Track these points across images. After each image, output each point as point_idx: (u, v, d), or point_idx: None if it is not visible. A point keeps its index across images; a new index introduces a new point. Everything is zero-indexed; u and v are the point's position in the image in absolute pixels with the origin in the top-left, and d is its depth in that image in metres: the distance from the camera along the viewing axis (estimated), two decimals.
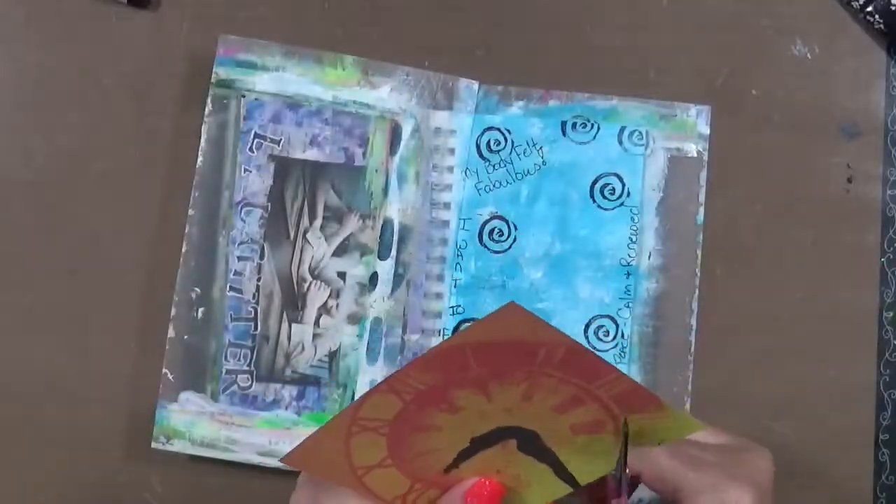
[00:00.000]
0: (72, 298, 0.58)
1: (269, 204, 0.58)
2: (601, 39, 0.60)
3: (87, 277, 0.59)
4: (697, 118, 0.59)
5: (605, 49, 0.60)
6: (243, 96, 0.58)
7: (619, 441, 0.41)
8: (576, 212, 0.58)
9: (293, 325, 0.57)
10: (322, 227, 0.58)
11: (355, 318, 0.57)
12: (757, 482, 0.43)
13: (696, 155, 0.58)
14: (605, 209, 0.58)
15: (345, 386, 0.57)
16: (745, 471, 0.44)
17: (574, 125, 0.58)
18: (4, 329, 0.58)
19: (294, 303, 0.58)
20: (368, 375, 0.57)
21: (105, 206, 0.59)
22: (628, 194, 0.58)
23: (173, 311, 0.57)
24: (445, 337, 0.57)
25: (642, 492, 0.56)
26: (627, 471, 0.42)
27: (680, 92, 0.59)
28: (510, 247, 0.58)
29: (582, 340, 0.57)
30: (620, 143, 0.58)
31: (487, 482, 0.41)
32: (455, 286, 0.58)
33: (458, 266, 0.58)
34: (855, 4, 0.59)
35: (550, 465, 0.42)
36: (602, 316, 0.57)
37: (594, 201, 0.58)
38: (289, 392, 0.57)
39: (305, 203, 0.58)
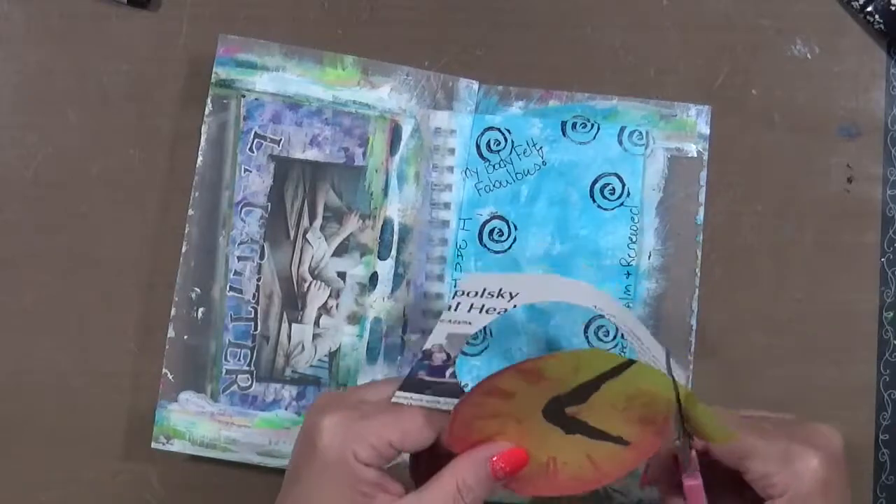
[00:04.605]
0: (72, 298, 0.58)
1: (269, 204, 0.58)
2: (601, 39, 0.60)
3: (87, 278, 0.59)
4: (697, 118, 0.59)
5: (605, 49, 0.60)
6: (243, 96, 0.58)
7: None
8: (576, 212, 0.58)
9: (293, 325, 0.57)
10: (322, 227, 0.58)
11: (355, 318, 0.57)
12: (824, 446, 0.43)
13: (696, 155, 0.58)
14: (605, 209, 0.58)
15: (345, 386, 0.57)
16: (810, 436, 0.44)
17: (574, 125, 0.58)
18: (4, 329, 0.58)
19: (294, 303, 0.58)
20: (368, 375, 0.57)
21: (105, 206, 0.59)
22: (628, 194, 0.58)
23: (173, 311, 0.57)
24: None
25: (642, 492, 0.56)
26: (692, 448, 0.43)
27: (680, 92, 0.59)
28: (510, 247, 0.58)
29: (582, 340, 0.57)
30: (620, 143, 0.58)
31: (517, 450, 0.43)
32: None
33: (458, 266, 0.58)
34: (855, 4, 0.59)
35: (585, 434, 0.43)
36: (602, 316, 0.57)
37: (594, 201, 0.58)
38: (289, 392, 0.57)
39: (305, 203, 0.58)
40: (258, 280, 0.58)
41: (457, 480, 0.42)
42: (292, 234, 0.58)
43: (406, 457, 0.45)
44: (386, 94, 0.59)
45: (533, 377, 0.41)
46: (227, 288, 0.57)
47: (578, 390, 0.42)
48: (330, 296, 0.58)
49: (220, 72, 0.58)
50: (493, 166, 0.58)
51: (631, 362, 0.41)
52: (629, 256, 0.58)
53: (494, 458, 0.42)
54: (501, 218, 0.58)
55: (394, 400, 0.44)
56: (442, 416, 0.43)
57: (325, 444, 0.42)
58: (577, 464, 0.44)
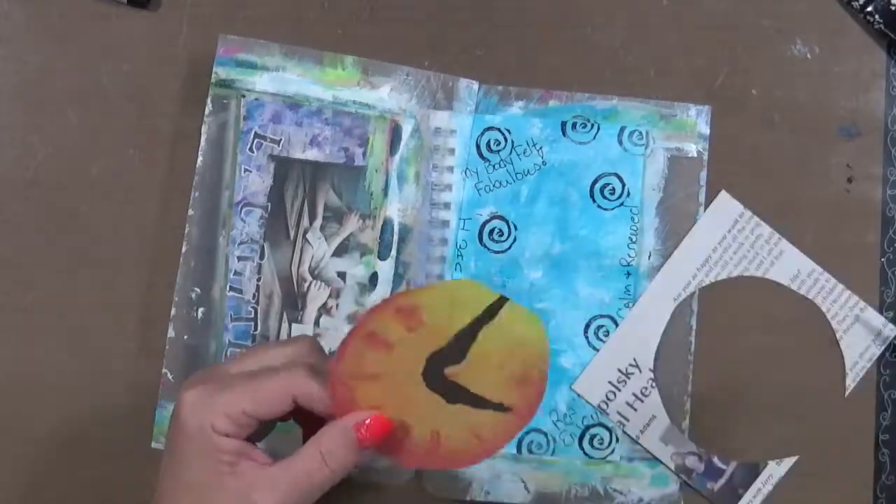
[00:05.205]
0: (72, 298, 0.58)
1: (269, 204, 0.58)
2: (601, 39, 0.60)
3: (87, 277, 0.59)
4: (697, 118, 0.59)
5: (605, 49, 0.60)
6: (243, 96, 0.58)
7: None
8: (576, 212, 0.58)
9: (293, 325, 0.57)
10: (322, 227, 0.58)
11: (355, 319, 0.57)
12: None
13: (696, 155, 0.58)
14: (605, 209, 0.58)
15: None
16: None
17: (574, 125, 0.58)
18: (4, 329, 0.58)
19: (294, 303, 0.58)
20: None
21: (105, 206, 0.59)
22: (628, 194, 0.58)
23: (173, 311, 0.57)
24: None
25: (642, 492, 0.56)
26: None
27: (680, 92, 0.59)
28: (510, 247, 0.58)
29: (582, 340, 0.57)
30: (620, 143, 0.58)
31: (381, 417, 0.44)
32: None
33: (458, 266, 0.58)
34: (855, 4, 0.59)
35: (467, 402, 0.44)
36: (602, 316, 0.57)
37: (594, 201, 0.58)
38: None
39: (305, 203, 0.58)
40: (258, 280, 0.58)
41: (321, 449, 0.43)
42: (292, 234, 0.58)
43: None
44: (386, 94, 0.59)
45: (411, 319, 0.42)
46: (227, 288, 0.57)
47: (456, 342, 0.43)
48: (330, 296, 0.58)
49: (220, 72, 0.58)
50: (493, 166, 0.58)
51: (503, 299, 0.42)
52: (629, 256, 0.58)
53: (358, 425, 0.43)
54: (501, 218, 0.58)
55: None
56: (298, 381, 0.44)
57: (185, 417, 0.43)
58: (460, 437, 0.45)
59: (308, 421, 0.46)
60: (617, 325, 0.57)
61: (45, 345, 0.58)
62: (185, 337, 0.57)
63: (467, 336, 0.43)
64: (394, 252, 0.58)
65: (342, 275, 0.58)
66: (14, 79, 0.60)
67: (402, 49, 0.59)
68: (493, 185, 0.58)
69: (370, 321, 0.43)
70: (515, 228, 0.58)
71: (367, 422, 0.43)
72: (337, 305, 0.58)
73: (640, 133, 0.58)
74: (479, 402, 0.44)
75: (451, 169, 0.58)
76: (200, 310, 0.57)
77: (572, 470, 0.57)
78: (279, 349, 0.46)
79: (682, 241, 0.58)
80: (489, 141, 0.58)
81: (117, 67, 0.60)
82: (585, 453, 0.57)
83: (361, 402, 0.44)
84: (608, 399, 0.57)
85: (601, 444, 0.57)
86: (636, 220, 0.58)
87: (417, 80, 0.59)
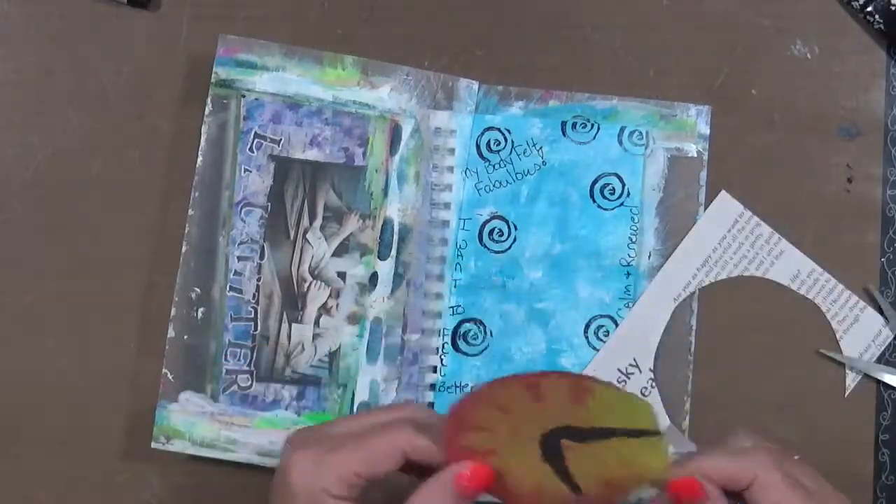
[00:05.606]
0: (72, 298, 0.58)
1: (269, 204, 0.58)
2: (601, 39, 0.60)
3: (87, 277, 0.59)
4: (697, 118, 0.59)
5: (605, 49, 0.60)
6: (243, 96, 0.58)
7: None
8: (576, 212, 0.58)
9: (293, 325, 0.57)
10: (322, 227, 0.58)
11: (355, 318, 0.57)
12: None
13: (696, 155, 0.58)
14: (605, 209, 0.58)
15: (345, 386, 0.57)
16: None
17: (574, 125, 0.58)
18: (4, 329, 0.58)
19: (294, 303, 0.58)
20: (368, 375, 0.57)
21: (105, 206, 0.59)
22: (628, 194, 0.58)
23: (173, 311, 0.57)
24: (446, 337, 0.57)
25: (642, 491, 0.56)
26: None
27: (680, 92, 0.59)
28: (510, 247, 0.58)
29: (582, 340, 0.57)
30: (620, 143, 0.58)
31: (482, 468, 0.43)
32: (455, 286, 0.58)
33: (458, 266, 0.58)
34: (855, 4, 0.59)
35: (553, 466, 0.43)
36: (602, 316, 0.57)
37: (594, 201, 0.58)
38: (289, 392, 0.57)
39: (305, 203, 0.58)
40: (258, 280, 0.58)
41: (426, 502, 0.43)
42: (292, 234, 0.58)
43: None
44: (386, 94, 0.59)
45: (578, 396, 0.42)
46: (227, 288, 0.57)
47: (591, 432, 0.42)
48: (330, 296, 0.58)
49: (220, 72, 0.58)
50: (493, 166, 0.58)
51: (659, 434, 0.42)
52: (629, 256, 0.58)
53: (459, 477, 0.43)
54: (501, 218, 0.58)
55: None
56: (407, 436, 0.43)
57: (296, 482, 0.43)
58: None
59: (422, 474, 0.45)
60: (617, 325, 0.57)
61: (45, 345, 0.58)
62: (185, 337, 0.57)
63: (603, 433, 0.43)
64: (394, 252, 0.58)
65: (342, 275, 0.58)
66: (14, 79, 0.60)
67: (402, 49, 0.59)
68: (493, 185, 0.58)
69: (537, 375, 0.43)
70: (515, 228, 0.58)
71: (468, 471, 0.43)
72: (337, 305, 0.58)
73: (640, 133, 0.58)
74: (562, 473, 0.43)
75: (451, 169, 0.58)
76: (200, 310, 0.57)
77: None
78: (382, 411, 0.46)
79: (682, 241, 0.58)
80: (489, 141, 0.58)
81: (117, 67, 0.60)
82: None
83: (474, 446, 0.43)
84: None
85: None
86: (636, 220, 0.58)
87: (417, 80, 0.59)
